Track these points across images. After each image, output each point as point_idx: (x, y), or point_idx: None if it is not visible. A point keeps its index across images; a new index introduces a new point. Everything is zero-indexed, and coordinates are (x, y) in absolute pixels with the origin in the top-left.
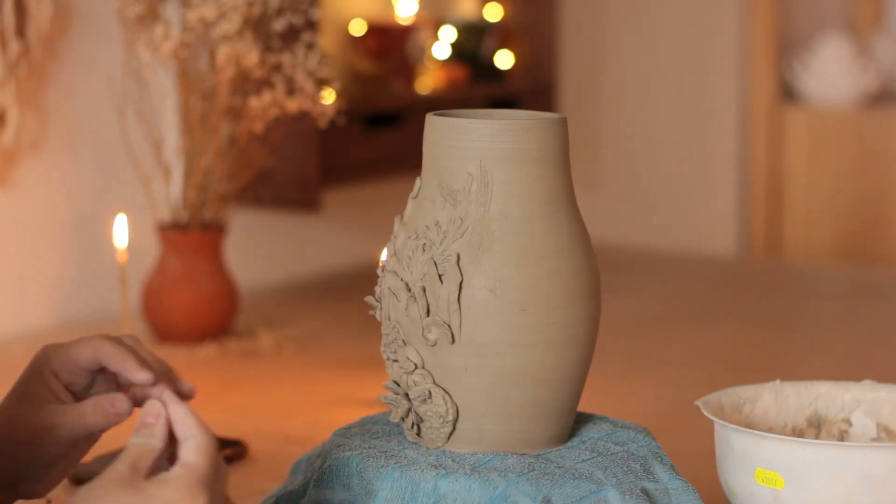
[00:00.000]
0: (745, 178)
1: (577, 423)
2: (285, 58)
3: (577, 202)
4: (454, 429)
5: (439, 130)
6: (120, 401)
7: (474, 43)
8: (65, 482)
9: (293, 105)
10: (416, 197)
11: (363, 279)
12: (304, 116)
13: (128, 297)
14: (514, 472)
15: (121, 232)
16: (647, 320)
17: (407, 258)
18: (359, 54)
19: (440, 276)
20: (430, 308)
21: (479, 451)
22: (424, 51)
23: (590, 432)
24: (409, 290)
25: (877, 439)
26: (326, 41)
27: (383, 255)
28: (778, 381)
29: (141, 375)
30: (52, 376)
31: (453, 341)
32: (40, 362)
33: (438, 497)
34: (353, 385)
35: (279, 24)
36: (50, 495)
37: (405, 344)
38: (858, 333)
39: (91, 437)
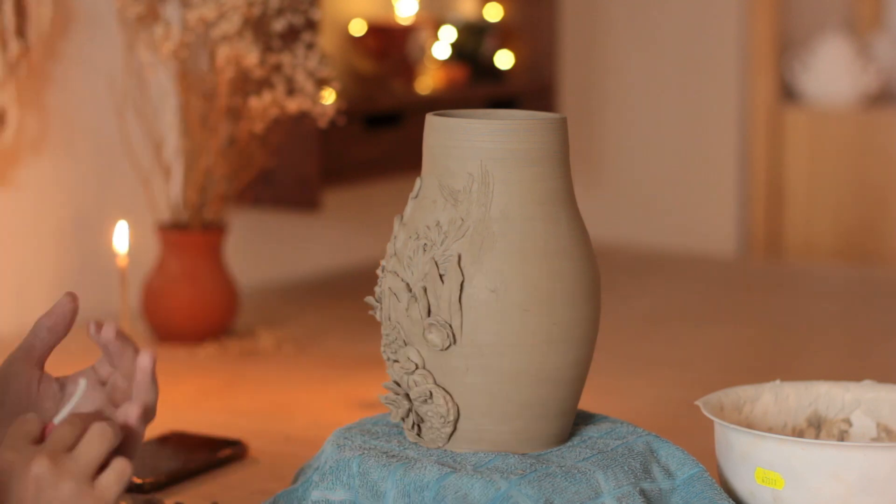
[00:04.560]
0: (745, 178)
1: (576, 423)
2: (285, 58)
3: (577, 202)
4: (455, 429)
5: (439, 130)
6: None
7: (474, 43)
8: None
9: (293, 105)
10: (416, 197)
11: (363, 279)
12: (304, 116)
13: (128, 298)
14: (516, 473)
15: (121, 238)
16: (647, 320)
17: (408, 258)
18: (359, 54)
19: (441, 277)
20: (431, 308)
21: (480, 451)
22: (424, 51)
23: (589, 431)
24: (410, 290)
25: (877, 439)
26: (326, 41)
27: None
28: (778, 381)
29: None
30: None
31: (454, 341)
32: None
33: (442, 496)
34: (353, 385)
35: (279, 24)
36: None
37: (406, 344)
38: (858, 333)
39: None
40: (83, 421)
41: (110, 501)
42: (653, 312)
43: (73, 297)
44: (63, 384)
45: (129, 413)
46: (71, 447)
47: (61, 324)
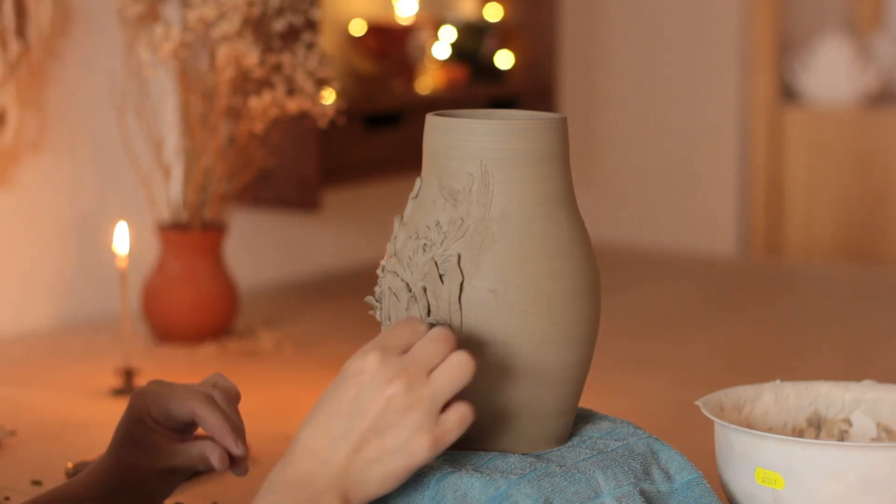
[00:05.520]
0: (745, 178)
1: (576, 422)
2: (285, 58)
3: (577, 202)
4: None
5: (439, 130)
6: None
7: (474, 43)
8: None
9: (293, 105)
10: (416, 197)
11: (363, 279)
12: (304, 116)
13: (128, 298)
14: (515, 473)
15: (122, 238)
16: (647, 320)
17: (407, 258)
18: (359, 54)
19: (441, 277)
20: (431, 308)
21: (480, 451)
22: (424, 51)
23: (589, 431)
24: (410, 290)
25: (877, 439)
26: (326, 41)
27: None
28: (778, 381)
29: (238, 451)
30: (154, 423)
31: None
32: (140, 409)
33: (441, 495)
34: None
35: (279, 24)
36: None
37: None
38: (858, 333)
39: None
40: (448, 342)
41: (446, 446)
42: (653, 312)
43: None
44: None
45: None
46: (431, 368)
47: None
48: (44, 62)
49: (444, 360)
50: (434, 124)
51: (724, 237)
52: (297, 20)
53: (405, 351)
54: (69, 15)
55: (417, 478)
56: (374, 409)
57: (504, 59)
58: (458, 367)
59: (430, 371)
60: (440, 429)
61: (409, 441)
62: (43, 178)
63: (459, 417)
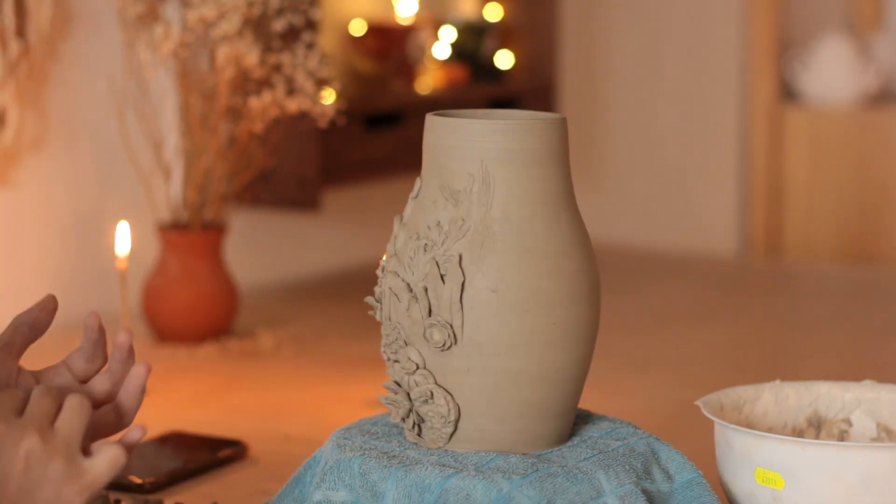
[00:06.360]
0: (745, 178)
1: (576, 423)
2: (285, 58)
3: (577, 202)
4: (455, 429)
5: (439, 130)
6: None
7: (474, 43)
8: None
9: (293, 105)
10: (416, 197)
11: (363, 279)
12: (304, 116)
13: (128, 299)
14: (517, 474)
15: (122, 239)
16: (647, 320)
17: (408, 258)
18: (359, 54)
19: (442, 277)
20: (432, 308)
21: (481, 451)
22: (424, 51)
23: (589, 431)
24: (411, 290)
25: (877, 439)
26: (326, 41)
27: None
28: (778, 381)
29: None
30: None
31: (455, 341)
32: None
33: (443, 497)
34: (353, 385)
35: (279, 24)
36: None
37: (406, 344)
38: (858, 333)
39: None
40: (60, 392)
41: (98, 489)
42: (653, 312)
43: (53, 297)
44: (39, 378)
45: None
46: (53, 420)
47: (42, 321)
48: (44, 62)
49: (60, 407)
50: (434, 124)
51: (724, 237)
52: (297, 20)
53: (20, 413)
54: (69, 15)
55: (420, 480)
56: (15, 470)
57: (504, 59)
58: (77, 408)
59: (52, 422)
60: (89, 474)
61: (59, 494)
62: (43, 178)
63: (108, 460)
